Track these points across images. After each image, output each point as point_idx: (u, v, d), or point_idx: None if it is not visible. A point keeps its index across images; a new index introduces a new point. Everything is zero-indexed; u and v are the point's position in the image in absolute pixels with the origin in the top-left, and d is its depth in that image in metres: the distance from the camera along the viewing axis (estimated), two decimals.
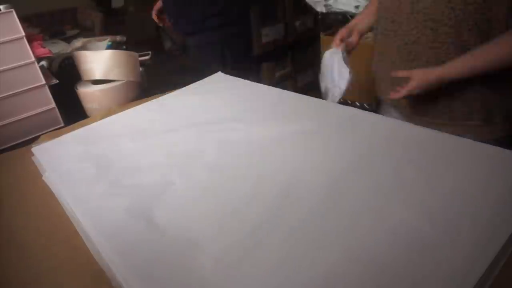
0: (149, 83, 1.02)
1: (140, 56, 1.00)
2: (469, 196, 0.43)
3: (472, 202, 0.42)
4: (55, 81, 0.84)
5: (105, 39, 1.17)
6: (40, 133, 0.79)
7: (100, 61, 0.87)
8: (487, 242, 0.37)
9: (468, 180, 0.46)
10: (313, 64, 2.66)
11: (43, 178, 0.59)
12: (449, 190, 0.45)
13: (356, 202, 0.45)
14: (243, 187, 0.50)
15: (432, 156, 0.51)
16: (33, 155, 0.66)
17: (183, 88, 0.87)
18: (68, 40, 1.80)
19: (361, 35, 0.87)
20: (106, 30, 2.25)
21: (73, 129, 0.74)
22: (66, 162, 0.62)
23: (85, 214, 0.49)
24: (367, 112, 0.64)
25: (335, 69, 0.82)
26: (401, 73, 0.72)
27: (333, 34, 1.87)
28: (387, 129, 0.59)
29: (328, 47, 0.86)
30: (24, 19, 0.78)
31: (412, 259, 0.37)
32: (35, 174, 0.62)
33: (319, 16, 1.88)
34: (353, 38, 0.86)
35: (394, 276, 0.35)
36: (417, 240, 0.39)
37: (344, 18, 1.77)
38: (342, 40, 0.84)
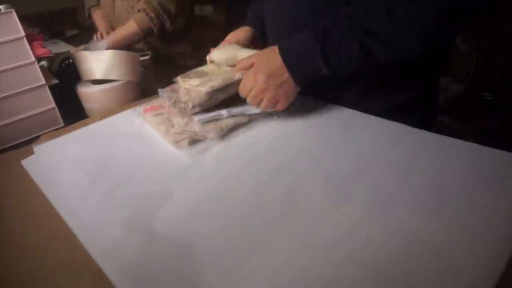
0: (149, 84, 1.02)
1: (140, 56, 1.00)
2: (482, 202, 0.43)
3: (486, 208, 0.42)
4: (55, 81, 0.84)
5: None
6: (40, 133, 0.79)
7: (100, 61, 0.87)
8: (503, 249, 0.37)
9: (479, 186, 0.45)
10: None
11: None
12: (460, 196, 0.44)
13: (362, 209, 0.45)
14: (245, 195, 0.49)
15: (439, 161, 0.51)
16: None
17: None
18: (68, 40, 1.80)
19: None
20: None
21: (73, 129, 0.74)
22: (61, 169, 0.60)
23: (80, 229, 0.47)
24: (372, 116, 0.64)
25: None
26: None
27: None
28: (393, 133, 0.58)
29: None
30: (24, 19, 0.77)
31: (421, 266, 0.36)
32: None
33: None
34: None
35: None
36: (427, 248, 0.38)
37: None
38: None
